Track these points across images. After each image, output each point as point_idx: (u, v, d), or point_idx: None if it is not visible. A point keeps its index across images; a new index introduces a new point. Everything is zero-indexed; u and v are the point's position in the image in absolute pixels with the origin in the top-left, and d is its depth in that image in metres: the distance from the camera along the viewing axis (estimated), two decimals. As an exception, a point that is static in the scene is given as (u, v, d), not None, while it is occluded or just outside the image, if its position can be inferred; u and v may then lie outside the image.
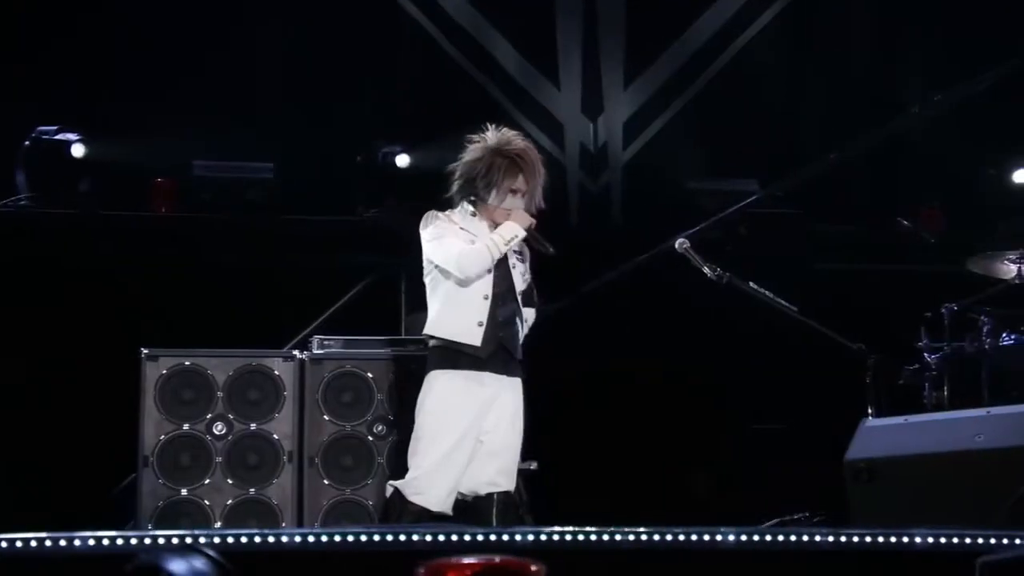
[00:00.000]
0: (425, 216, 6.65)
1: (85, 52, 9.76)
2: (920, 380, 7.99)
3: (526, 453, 7.54)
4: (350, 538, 3.06)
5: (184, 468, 7.48)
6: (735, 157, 10.49)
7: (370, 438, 7.61)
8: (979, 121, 9.52)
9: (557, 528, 3.41)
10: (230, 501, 7.48)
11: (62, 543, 3.04)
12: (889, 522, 5.47)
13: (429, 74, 10.59)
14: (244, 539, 3.09)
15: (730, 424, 9.71)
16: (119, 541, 3.00)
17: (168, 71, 9.75)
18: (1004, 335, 7.81)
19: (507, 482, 6.60)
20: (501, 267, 6.59)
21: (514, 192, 6.57)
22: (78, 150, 9.81)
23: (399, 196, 9.87)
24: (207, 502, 7.47)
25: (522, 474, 7.49)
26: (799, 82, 10.82)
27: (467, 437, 6.49)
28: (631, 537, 3.38)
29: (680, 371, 9.57)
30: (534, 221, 6.59)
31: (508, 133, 6.67)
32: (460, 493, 6.55)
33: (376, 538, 3.10)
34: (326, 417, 7.61)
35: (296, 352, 7.74)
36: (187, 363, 7.57)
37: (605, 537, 3.35)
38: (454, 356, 6.52)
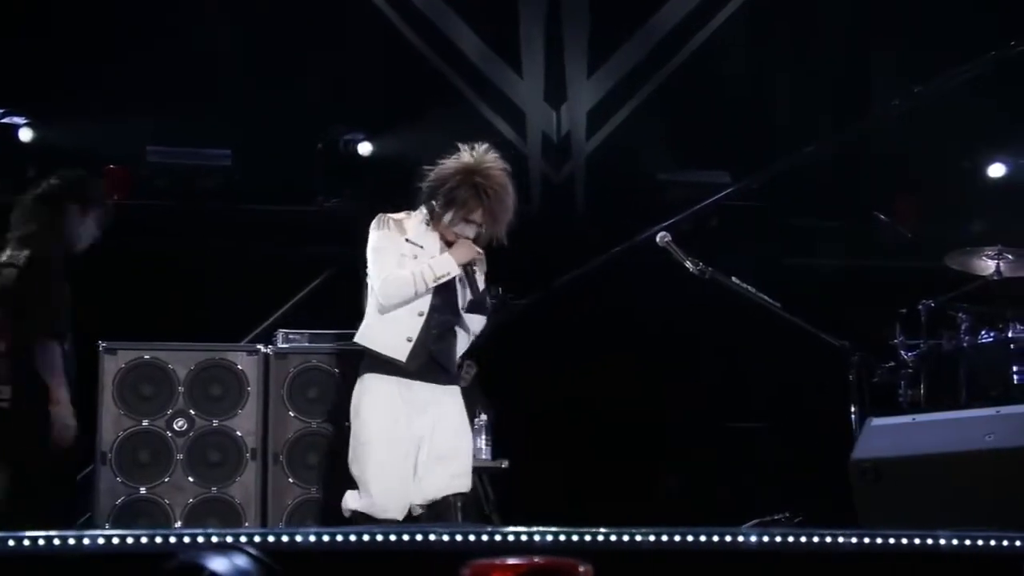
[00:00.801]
0: (377, 218, 6.47)
1: (34, 32, 9.54)
2: (896, 378, 7.87)
3: (496, 452, 7.42)
4: (404, 536, 2.99)
5: (143, 465, 7.28)
6: (700, 148, 10.42)
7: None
8: (955, 115, 9.45)
9: (603, 529, 3.31)
10: (191, 500, 7.27)
11: (107, 539, 2.97)
12: (896, 523, 5.32)
13: (391, 61, 10.42)
14: (286, 538, 3.03)
15: (706, 422, 9.60)
16: (170, 539, 2.92)
17: (122, 53, 9.53)
18: (983, 332, 7.70)
19: (463, 484, 6.40)
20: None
21: (469, 222, 6.37)
22: (26, 134, 9.67)
23: (361, 185, 9.71)
24: (167, 501, 7.26)
25: (490, 472, 7.36)
26: (766, 72, 10.74)
27: (411, 445, 6.29)
28: (689, 538, 3.24)
29: (653, 368, 9.46)
30: (477, 255, 6.37)
31: (492, 163, 6.36)
32: (419, 507, 6.33)
33: (420, 538, 2.99)
34: (291, 413, 7.42)
35: (260, 346, 7.53)
36: (147, 357, 7.37)
37: (652, 538, 3.26)
38: (384, 364, 6.36)
